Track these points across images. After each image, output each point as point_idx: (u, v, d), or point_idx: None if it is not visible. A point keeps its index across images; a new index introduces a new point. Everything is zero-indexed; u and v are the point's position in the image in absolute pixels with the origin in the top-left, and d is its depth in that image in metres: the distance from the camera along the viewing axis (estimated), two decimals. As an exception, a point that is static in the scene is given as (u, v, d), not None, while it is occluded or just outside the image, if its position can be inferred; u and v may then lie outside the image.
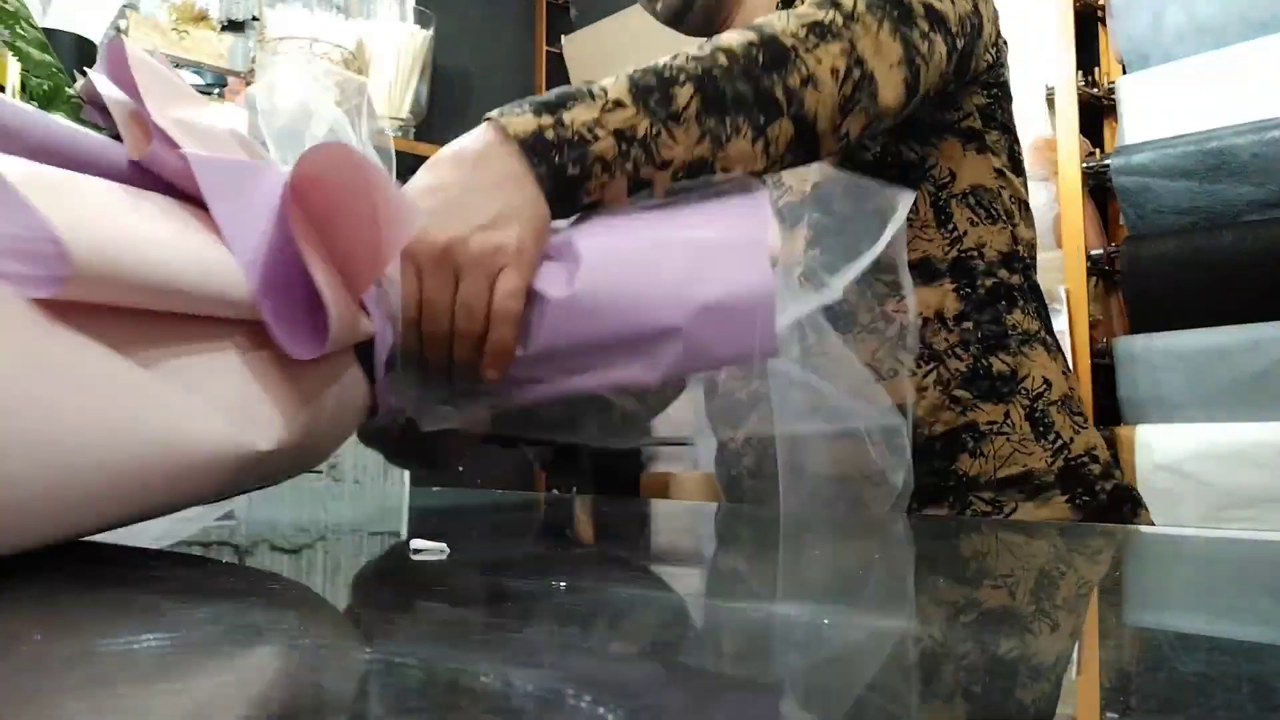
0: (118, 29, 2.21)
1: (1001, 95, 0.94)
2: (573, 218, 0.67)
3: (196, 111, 0.49)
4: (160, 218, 0.43)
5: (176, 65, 2.21)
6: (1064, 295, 1.83)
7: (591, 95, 0.64)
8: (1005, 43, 0.93)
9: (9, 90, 2.01)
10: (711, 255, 0.60)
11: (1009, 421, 0.86)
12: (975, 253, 0.89)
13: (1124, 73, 1.89)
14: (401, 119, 2.52)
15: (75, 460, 0.36)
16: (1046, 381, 0.89)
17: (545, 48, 3.00)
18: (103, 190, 0.41)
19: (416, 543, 0.46)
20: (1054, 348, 0.93)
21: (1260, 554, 0.55)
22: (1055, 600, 0.40)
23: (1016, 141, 0.96)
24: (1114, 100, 1.88)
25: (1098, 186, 1.90)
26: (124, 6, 2.20)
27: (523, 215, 0.60)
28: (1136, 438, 1.71)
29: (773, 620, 0.34)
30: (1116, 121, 1.88)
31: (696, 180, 0.67)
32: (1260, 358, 1.60)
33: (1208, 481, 1.63)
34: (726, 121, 0.66)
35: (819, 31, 0.71)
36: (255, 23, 2.44)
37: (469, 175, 0.61)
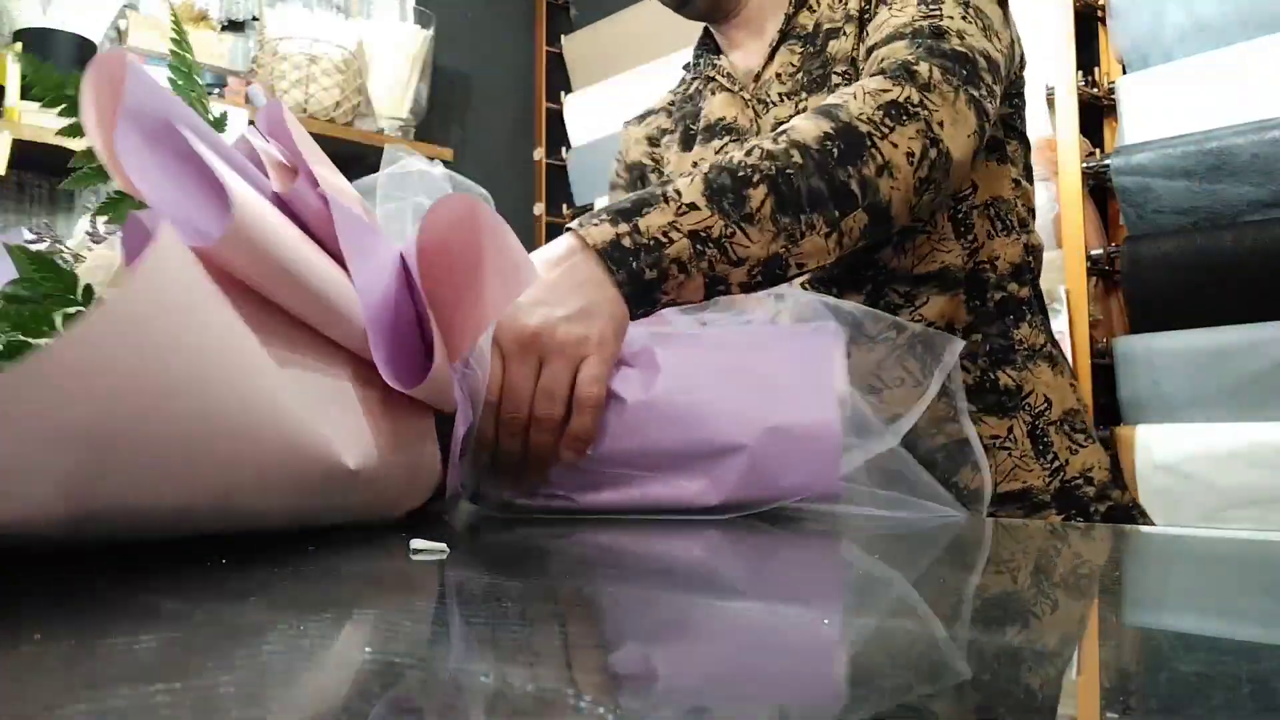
0: (118, 29, 2.21)
1: (1020, 104, 0.93)
2: (649, 322, 0.70)
3: (333, 172, 0.53)
4: (296, 231, 0.47)
5: (176, 65, 2.21)
6: (1064, 295, 1.83)
7: (665, 199, 0.66)
8: (1023, 50, 0.92)
9: (7, 91, 2.01)
10: (784, 388, 0.64)
11: (1011, 437, 0.86)
12: (988, 265, 0.88)
13: (1124, 73, 1.89)
14: (401, 119, 2.52)
15: (206, 430, 0.37)
16: (1048, 400, 0.88)
17: (545, 48, 3.00)
18: (256, 195, 0.46)
19: (416, 543, 0.46)
20: (1059, 360, 0.91)
21: (1260, 554, 0.55)
22: (1055, 600, 0.40)
23: (1029, 148, 0.95)
24: (1114, 100, 1.88)
25: (1098, 186, 1.90)
26: (124, 6, 2.20)
27: (604, 312, 0.63)
28: (1136, 438, 1.71)
29: (772, 619, 0.34)
30: (1116, 121, 1.88)
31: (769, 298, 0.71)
32: (1260, 358, 1.60)
33: (1208, 481, 1.63)
34: (801, 219, 0.68)
35: (895, 112, 0.71)
36: (255, 23, 2.44)
37: (554, 275, 0.64)
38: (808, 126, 0.70)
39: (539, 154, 2.96)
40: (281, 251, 0.44)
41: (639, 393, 0.63)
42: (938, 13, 0.78)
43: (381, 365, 0.49)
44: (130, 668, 0.25)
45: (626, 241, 0.64)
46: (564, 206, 2.89)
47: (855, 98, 0.72)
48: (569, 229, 0.66)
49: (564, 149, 2.88)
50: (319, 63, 2.34)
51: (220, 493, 0.40)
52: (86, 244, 0.47)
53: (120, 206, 0.47)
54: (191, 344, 0.34)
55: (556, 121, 2.92)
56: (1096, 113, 1.95)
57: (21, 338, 0.43)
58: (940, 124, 0.72)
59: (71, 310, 0.43)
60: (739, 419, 0.63)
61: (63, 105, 0.48)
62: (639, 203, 0.66)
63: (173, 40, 0.53)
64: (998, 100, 0.79)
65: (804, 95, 0.90)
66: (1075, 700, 0.25)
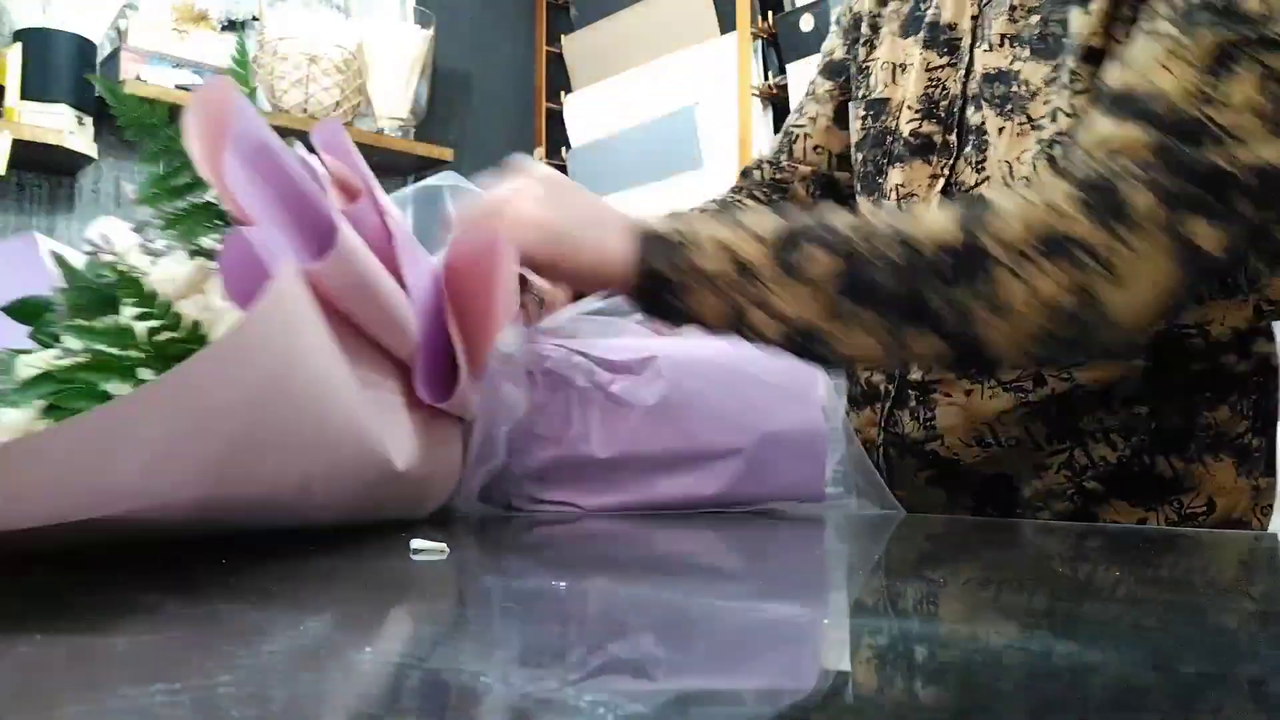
0: (118, 29, 2.21)
1: None
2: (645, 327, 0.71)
3: (378, 186, 0.57)
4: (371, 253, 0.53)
5: (176, 65, 2.21)
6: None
7: (733, 223, 0.59)
8: None
9: (7, 91, 2.00)
10: (774, 395, 0.68)
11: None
12: (1196, 331, 0.69)
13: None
14: (401, 119, 2.52)
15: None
16: (1212, 503, 0.69)
17: (545, 48, 3.00)
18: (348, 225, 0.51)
19: (416, 543, 0.46)
20: (1252, 456, 0.71)
21: (1259, 554, 0.55)
22: (1054, 599, 0.40)
23: None
24: (1114, 100, 1.88)
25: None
26: (124, 6, 2.20)
27: (596, 238, 0.59)
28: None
29: (772, 619, 0.34)
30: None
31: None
32: (1260, 358, 1.60)
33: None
34: (858, 309, 0.57)
35: (1050, 247, 0.55)
36: (255, 23, 2.44)
37: (585, 206, 0.61)
38: (938, 227, 0.57)
39: (539, 154, 2.96)
40: (368, 274, 0.50)
41: (648, 399, 0.66)
42: (1213, 92, 0.56)
43: (420, 381, 0.54)
44: (130, 668, 0.25)
45: (667, 231, 0.58)
46: (564, 206, 2.89)
47: (1013, 211, 0.57)
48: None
49: (564, 149, 2.88)
50: (319, 63, 2.33)
51: (302, 484, 0.46)
52: (138, 254, 0.50)
53: (190, 221, 0.49)
54: (302, 361, 0.41)
55: (556, 121, 2.92)
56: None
57: (96, 349, 0.44)
58: (1114, 274, 0.55)
59: (155, 326, 0.45)
60: (736, 424, 0.66)
61: (145, 135, 0.51)
62: (703, 213, 0.62)
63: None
64: (1264, 222, 0.58)
65: (1020, 52, 0.72)
66: (1075, 700, 0.25)
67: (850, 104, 0.89)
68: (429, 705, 0.23)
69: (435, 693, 0.24)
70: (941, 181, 0.76)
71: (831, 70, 0.93)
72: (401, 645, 0.30)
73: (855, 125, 0.87)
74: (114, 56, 2.16)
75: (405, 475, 0.51)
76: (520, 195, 0.59)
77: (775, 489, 0.68)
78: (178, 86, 2.16)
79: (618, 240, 0.58)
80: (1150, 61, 0.59)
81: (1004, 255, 0.55)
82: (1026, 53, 0.72)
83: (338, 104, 2.36)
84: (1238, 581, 0.48)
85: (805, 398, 0.68)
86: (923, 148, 0.78)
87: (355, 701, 0.24)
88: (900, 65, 0.83)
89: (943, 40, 0.79)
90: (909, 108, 0.80)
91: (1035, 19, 0.72)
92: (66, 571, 0.40)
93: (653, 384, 0.67)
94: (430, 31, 2.62)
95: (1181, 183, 0.55)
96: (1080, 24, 0.68)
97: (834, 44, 0.94)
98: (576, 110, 2.84)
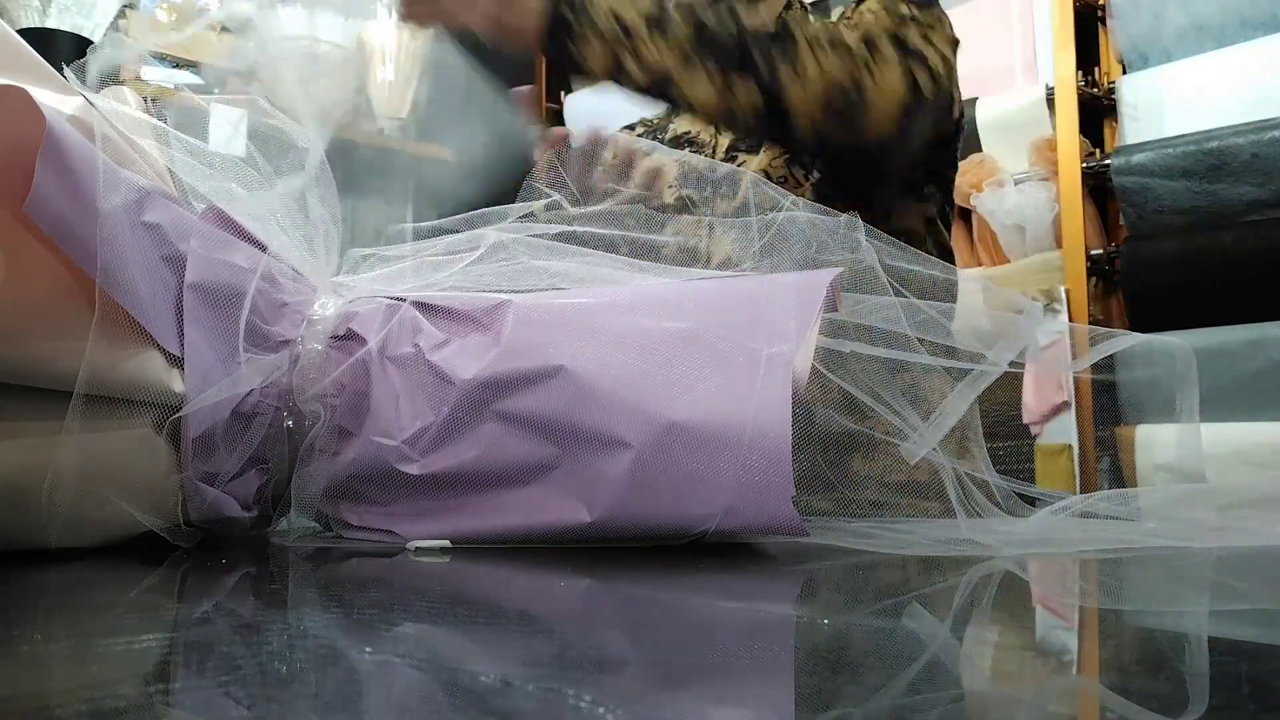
0: (118, 29, 2.21)
1: None
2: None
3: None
4: None
5: (176, 65, 2.21)
6: (1064, 295, 1.83)
7: None
8: None
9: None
10: (697, 361, 0.47)
11: None
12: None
13: (1124, 73, 1.89)
14: (401, 119, 2.52)
15: None
16: None
17: (545, 48, 3.00)
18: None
19: (416, 542, 0.46)
20: None
21: (1260, 554, 0.55)
22: (1055, 598, 0.40)
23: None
24: (1114, 100, 1.88)
25: (1098, 186, 1.90)
26: (124, 6, 2.20)
27: None
28: (1136, 438, 1.71)
29: (773, 619, 0.34)
30: (1116, 121, 1.88)
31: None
32: (1260, 358, 1.60)
33: (1208, 481, 1.63)
34: (701, 57, 0.78)
35: (838, 46, 0.79)
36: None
37: None
38: (759, 20, 0.81)
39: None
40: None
41: (477, 370, 0.46)
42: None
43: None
44: (130, 668, 0.25)
45: None
46: (564, 206, 2.89)
47: (814, 24, 0.82)
48: None
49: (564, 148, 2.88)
50: (319, 63, 2.34)
51: None
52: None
53: None
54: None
55: (556, 121, 2.92)
56: (1096, 113, 1.94)
57: None
58: (872, 77, 0.80)
59: None
60: (622, 407, 0.44)
61: None
62: None
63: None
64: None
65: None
66: (1076, 700, 0.25)
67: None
68: (429, 705, 0.23)
69: (435, 693, 0.24)
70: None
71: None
72: (401, 645, 0.30)
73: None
74: (114, 56, 2.16)
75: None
76: None
77: (698, 513, 0.45)
78: (177, 86, 2.16)
79: None
80: None
81: (804, 40, 0.78)
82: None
83: (338, 104, 2.37)
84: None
85: (752, 364, 0.44)
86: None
87: (355, 701, 0.24)
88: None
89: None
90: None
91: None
92: (67, 571, 0.40)
93: (491, 349, 0.46)
94: (430, 31, 2.62)
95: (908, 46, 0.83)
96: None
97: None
98: (577, 110, 2.84)
